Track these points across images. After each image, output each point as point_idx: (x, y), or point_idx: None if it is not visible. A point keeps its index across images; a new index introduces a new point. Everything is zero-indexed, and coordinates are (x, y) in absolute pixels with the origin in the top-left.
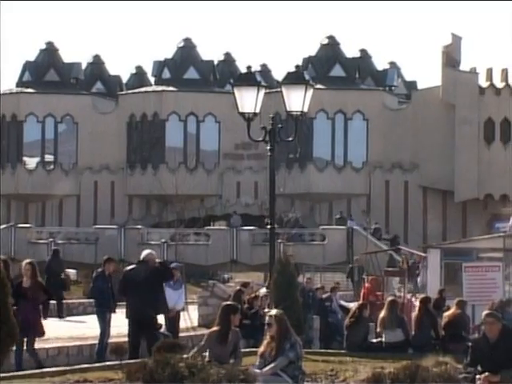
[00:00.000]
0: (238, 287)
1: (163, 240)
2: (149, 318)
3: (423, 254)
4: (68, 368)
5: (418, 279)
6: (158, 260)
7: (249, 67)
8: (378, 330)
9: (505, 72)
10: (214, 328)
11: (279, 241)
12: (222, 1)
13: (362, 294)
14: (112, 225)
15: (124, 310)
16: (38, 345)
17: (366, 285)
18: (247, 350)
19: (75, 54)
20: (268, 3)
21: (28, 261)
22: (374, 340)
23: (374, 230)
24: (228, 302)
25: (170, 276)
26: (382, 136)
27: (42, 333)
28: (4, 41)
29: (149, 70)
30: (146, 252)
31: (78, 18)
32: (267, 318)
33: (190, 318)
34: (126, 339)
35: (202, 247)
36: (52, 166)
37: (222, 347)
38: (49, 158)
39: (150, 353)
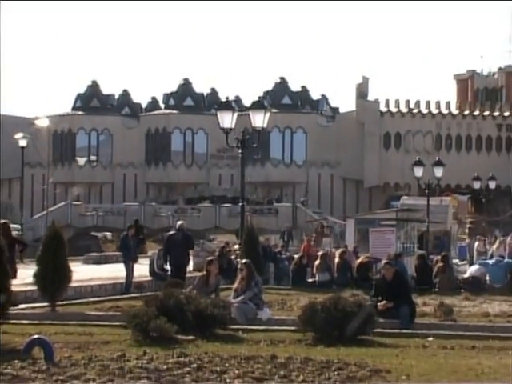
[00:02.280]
0: (222, 244)
1: (169, 213)
2: (183, 266)
3: (343, 222)
4: (105, 298)
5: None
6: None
7: (227, 98)
8: (314, 272)
9: (397, 101)
10: (201, 274)
11: (247, 213)
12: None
13: (302, 249)
14: (135, 202)
15: (142, 261)
16: (84, 283)
17: (305, 243)
18: (225, 286)
19: (111, 87)
20: (240, 55)
21: (2, 221)
22: (310, 280)
23: (302, 203)
24: (209, 258)
25: (193, 244)
26: (315, 143)
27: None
28: (62, 78)
29: (160, 99)
30: (179, 222)
31: (113, 62)
32: (239, 264)
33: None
34: (147, 278)
35: (196, 217)
36: (95, 163)
37: (206, 286)
38: (93, 158)
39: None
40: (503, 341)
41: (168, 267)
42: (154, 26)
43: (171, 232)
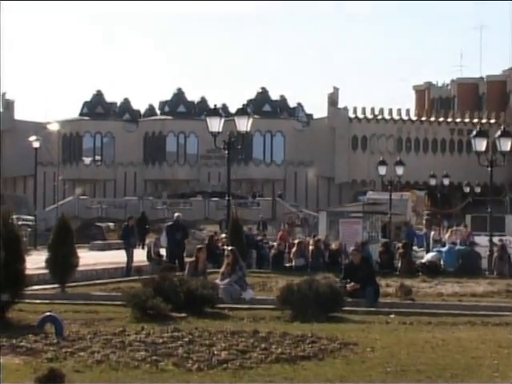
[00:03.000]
0: (211, 233)
1: (164, 206)
2: (179, 252)
3: (317, 214)
4: (108, 281)
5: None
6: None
7: (215, 105)
8: (291, 258)
9: (364, 109)
10: (191, 260)
11: (232, 206)
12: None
13: (279, 237)
14: (134, 197)
15: (141, 249)
16: (90, 267)
17: (281, 232)
18: (213, 270)
19: (113, 96)
20: (227, 68)
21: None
22: (288, 264)
23: (279, 196)
24: (198, 246)
25: (188, 234)
26: (292, 145)
27: None
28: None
29: (156, 106)
30: (176, 214)
31: (115, 74)
32: (226, 251)
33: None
34: (145, 263)
35: (188, 209)
36: (99, 163)
37: (196, 270)
38: (97, 157)
39: (182, 268)
40: (455, 317)
41: (163, 253)
42: (151, 41)
43: (169, 223)
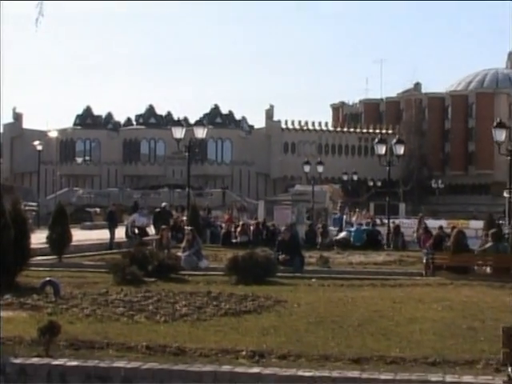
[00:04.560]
0: (175, 217)
1: (139, 196)
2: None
3: (256, 202)
4: (95, 253)
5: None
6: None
7: (178, 118)
8: (236, 235)
9: (293, 121)
10: (157, 237)
11: (192, 196)
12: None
13: (226, 220)
14: (115, 188)
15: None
16: (81, 242)
17: (227, 216)
18: (177, 245)
19: (99, 110)
20: (187, 89)
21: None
22: (234, 240)
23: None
24: (163, 226)
25: (170, 218)
26: (238, 149)
27: None
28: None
29: (133, 118)
30: (163, 204)
31: (101, 93)
32: (186, 230)
33: (150, 230)
34: (123, 240)
35: (157, 198)
36: (89, 162)
37: (161, 246)
38: (87, 158)
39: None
40: (361, 280)
41: (137, 231)
42: (129, 69)
43: (157, 209)
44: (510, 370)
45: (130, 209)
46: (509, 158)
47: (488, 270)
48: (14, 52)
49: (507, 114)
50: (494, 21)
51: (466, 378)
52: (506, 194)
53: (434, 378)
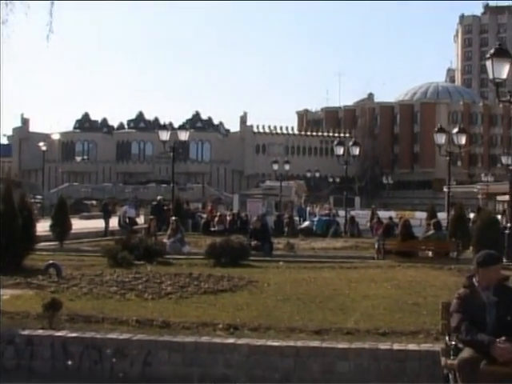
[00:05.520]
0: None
1: (130, 190)
2: (163, 221)
3: (232, 196)
4: (92, 239)
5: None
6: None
7: (164, 123)
8: (215, 225)
9: (264, 126)
10: (145, 226)
11: (176, 190)
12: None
13: (208, 210)
14: (110, 183)
15: (116, 218)
16: (79, 230)
17: (209, 207)
18: (162, 233)
19: (96, 116)
20: (172, 98)
21: None
22: (212, 229)
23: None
24: (150, 216)
25: (165, 208)
26: (216, 150)
27: None
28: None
29: (125, 123)
30: (159, 197)
31: (98, 101)
32: (171, 220)
33: (140, 220)
34: (116, 228)
35: (145, 192)
36: (86, 161)
37: (149, 233)
38: (85, 157)
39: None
40: (322, 263)
41: (127, 221)
42: (122, 78)
43: (154, 202)
44: (446, 338)
45: (130, 201)
46: (447, 158)
47: (430, 254)
48: (23, 65)
49: (446, 121)
50: (436, 41)
51: (411, 346)
52: (445, 189)
53: (383, 346)
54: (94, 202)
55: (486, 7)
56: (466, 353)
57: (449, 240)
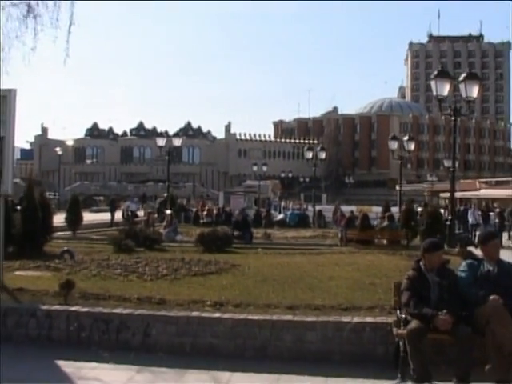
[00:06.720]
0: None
1: (132, 188)
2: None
3: (218, 193)
4: (100, 229)
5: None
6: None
7: (161, 132)
8: (203, 217)
9: (240, 133)
10: (145, 218)
11: (171, 188)
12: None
13: (201, 205)
14: (115, 182)
15: (120, 212)
16: (89, 222)
17: (201, 202)
18: (159, 224)
19: (104, 125)
20: (167, 109)
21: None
22: (201, 221)
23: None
24: (149, 210)
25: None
26: (204, 154)
27: None
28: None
29: (128, 131)
30: (165, 194)
31: (105, 113)
32: (167, 213)
33: (140, 213)
34: (121, 220)
35: (145, 189)
36: (95, 163)
37: (148, 225)
38: (94, 160)
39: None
40: (294, 250)
41: (129, 214)
42: (125, 94)
43: (161, 199)
44: (398, 312)
45: (139, 197)
46: (399, 161)
47: (384, 242)
48: (42, 82)
49: (398, 130)
50: (389, 64)
51: (368, 319)
52: (397, 188)
53: (345, 319)
54: (102, 198)
55: (430, 36)
56: (414, 324)
57: (400, 230)
